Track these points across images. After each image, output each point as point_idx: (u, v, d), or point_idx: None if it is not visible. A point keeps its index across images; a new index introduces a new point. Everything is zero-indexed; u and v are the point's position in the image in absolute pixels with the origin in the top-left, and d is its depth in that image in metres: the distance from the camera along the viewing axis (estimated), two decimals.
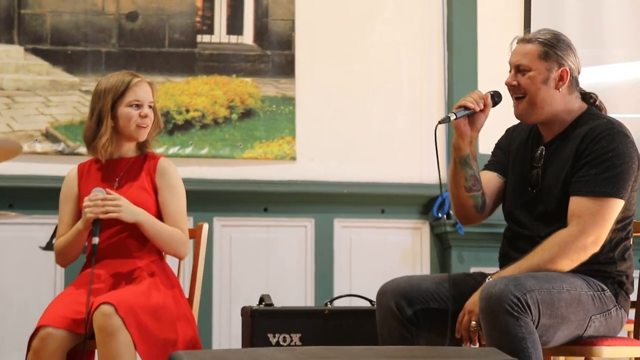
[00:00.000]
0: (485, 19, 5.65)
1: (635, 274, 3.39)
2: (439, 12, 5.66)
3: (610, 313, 3.22)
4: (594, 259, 3.20)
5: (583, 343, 3.22)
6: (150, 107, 3.70)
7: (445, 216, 5.49)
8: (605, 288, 3.23)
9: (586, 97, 3.36)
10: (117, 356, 3.31)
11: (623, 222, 3.26)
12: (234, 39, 5.52)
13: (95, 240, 3.52)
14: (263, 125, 5.49)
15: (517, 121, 3.43)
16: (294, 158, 5.51)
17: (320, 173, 5.53)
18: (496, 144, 3.54)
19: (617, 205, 3.18)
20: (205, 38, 5.49)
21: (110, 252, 3.62)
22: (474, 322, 3.17)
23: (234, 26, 5.52)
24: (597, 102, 3.36)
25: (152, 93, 3.72)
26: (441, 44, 5.65)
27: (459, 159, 3.35)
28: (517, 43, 3.34)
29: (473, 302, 3.19)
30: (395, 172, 5.59)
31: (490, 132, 3.64)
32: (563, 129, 3.31)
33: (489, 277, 3.20)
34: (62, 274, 5.22)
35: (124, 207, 3.54)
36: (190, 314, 3.63)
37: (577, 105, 3.32)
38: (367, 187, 5.55)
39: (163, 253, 3.70)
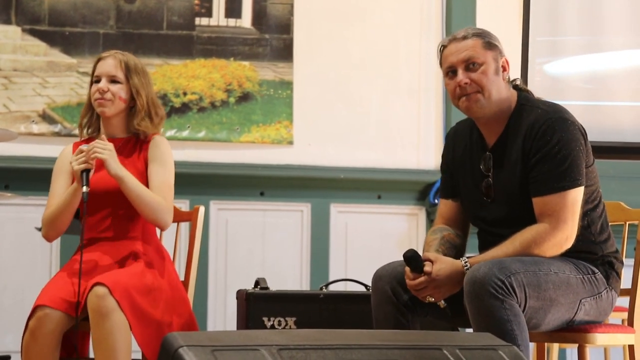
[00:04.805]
0: (484, 4, 5.64)
1: (628, 262, 3.40)
2: None
3: (601, 296, 3.22)
4: (579, 244, 3.20)
5: (576, 330, 3.22)
6: (115, 82, 3.65)
7: None
8: (597, 271, 3.23)
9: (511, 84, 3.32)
10: (111, 337, 3.30)
11: (592, 198, 3.26)
12: (232, 22, 5.51)
13: (85, 188, 3.44)
14: (260, 109, 5.48)
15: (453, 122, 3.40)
16: (291, 142, 5.51)
17: (317, 158, 5.53)
18: (441, 166, 3.49)
19: (579, 194, 3.17)
20: (204, 21, 5.48)
21: (104, 234, 3.61)
22: (432, 299, 3.16)
23: (233, 9, 5.51)
24: (521, 85, 3.32)
25: (119, 67, 3.66)
26: (440, 28, 5.65)
27: None
28: (450, 44, 3.26)
29: (440, 276, 3.13)
30: (392, 158, 5.59)
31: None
32: (503, 127, 3.26)
33: (465, 262, 3.18)
34: (58, 255, 5.22)
35: (111, 154, 3.49)
36: (186, 296, 3.63)
37: (511, 96, 3.28)
38: (363, 173, 5.55)
39: (157, 234, 3.70)
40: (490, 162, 3.29)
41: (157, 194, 3.58)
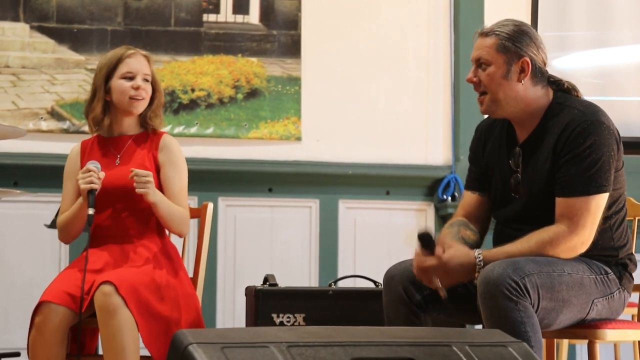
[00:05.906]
0: (492, 0, 5.63)
1: (638, 257, 3.39)
2: None
3: (613, 296, 3.22)
4: (597, 247, 3.20)
5: (587, 326, 3.22)
6: (146, 80, 3.65)
7: (450, 198, 5.49)
8: (610, 271, 3.22)
9: (556, 84, 3.30)
10: (119, 335, 3.31)
11: (616, 202, 3.25)
12: (240, 18, 5.51)
13: (90, 211, 3.45)
14: (268, 105, 5.48)
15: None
16: (299, 138, 5.51)
17: (325, 154, 5.53)
18: (469, 157, 3.49)
19: (603, 200, 3.16)
20: (211, 17, 5.48)
21: (112, 232, 3.61)
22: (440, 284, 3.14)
23: (240, 5, 5.50)
24: (566, 86, 3.31)
25: (148, 66, 3.67)
26: (448, 25, 5.64)
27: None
28: (478, 36, 3.29)
29: (449, 265, 3.12)
30: (401, 154, 5.59)
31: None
32: (535, 124, 3.26)
33: (478, 254, 3.17)
34: (67, 252, 5.23)
35: (152, 186, 3.52)
36: (194, 293, 3.63)
37: (543, 95, 3.27)
38: (372, 169, 5.54)
39: (167, 232, 3.70)
40: (520, 158, 3.28)
41: (177, 201, 3.61)
